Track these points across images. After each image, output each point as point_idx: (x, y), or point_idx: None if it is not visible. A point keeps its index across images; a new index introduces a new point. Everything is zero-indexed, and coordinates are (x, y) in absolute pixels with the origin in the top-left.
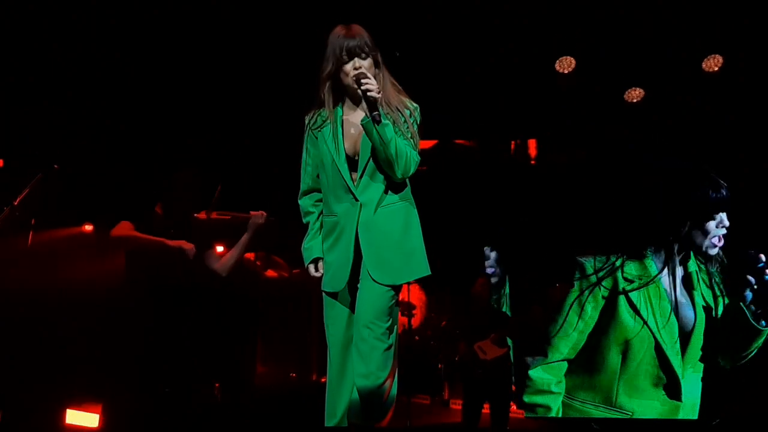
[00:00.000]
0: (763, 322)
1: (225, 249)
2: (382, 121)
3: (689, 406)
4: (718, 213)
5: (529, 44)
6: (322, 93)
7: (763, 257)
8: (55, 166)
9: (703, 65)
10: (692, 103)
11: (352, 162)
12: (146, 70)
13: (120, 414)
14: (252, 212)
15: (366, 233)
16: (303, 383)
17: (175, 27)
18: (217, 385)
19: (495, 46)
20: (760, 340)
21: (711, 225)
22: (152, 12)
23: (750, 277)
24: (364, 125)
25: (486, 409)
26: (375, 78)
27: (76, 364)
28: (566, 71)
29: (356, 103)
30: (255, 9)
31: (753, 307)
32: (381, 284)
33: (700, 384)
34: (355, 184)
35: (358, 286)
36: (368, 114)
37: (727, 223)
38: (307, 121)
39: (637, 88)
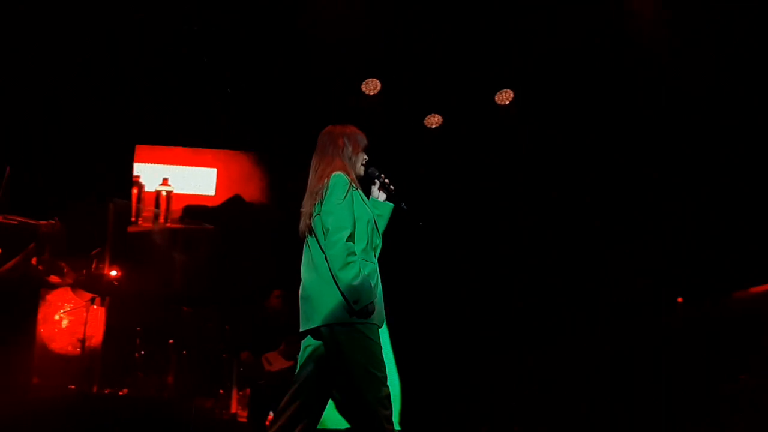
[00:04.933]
0: None
1: None
2: None
3: None
4: None
5: (338, 65)
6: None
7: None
8: None
9: (496, 98)
10: (486, 132)
11: None
12: None
13: None
14: (42, 221)
15: None
16: (83, 395)
17: None
18: None
19: (307, 65)
20: None
21: None
22: None
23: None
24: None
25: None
26: None
27: None
28: (372, 93)
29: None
30: None
31: None
32: None
33: None
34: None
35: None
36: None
37: None
38: (349, 182)
39: (436, 115)
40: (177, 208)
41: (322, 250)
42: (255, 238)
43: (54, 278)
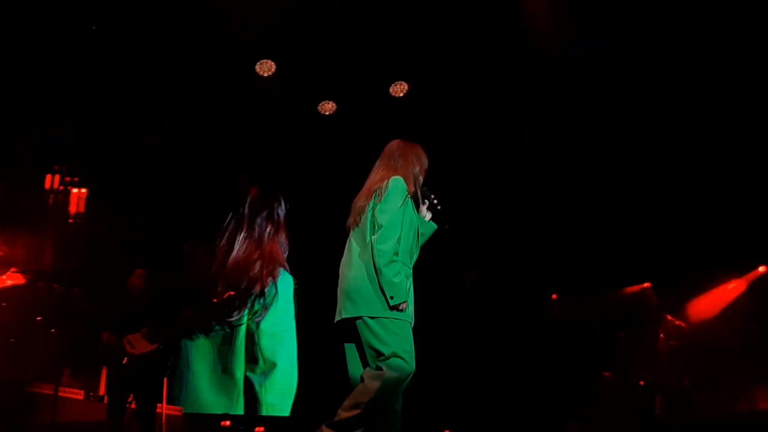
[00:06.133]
0: None
1: None
2: None
3: None
4: None
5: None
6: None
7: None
8: None
9: (390, 90)
10: (380, 122)
11: None
12: None
13: None
14: None
15: None
16: None
17: None
18: None
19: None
20: None
21: None
22: None
23: None
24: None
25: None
26: None
27: None
28: (266, 74)
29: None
30: None
31: None
32: None
33: None
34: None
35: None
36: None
37: None
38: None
39: (330, 102)
40: None
41: (369, 245)
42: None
43: None
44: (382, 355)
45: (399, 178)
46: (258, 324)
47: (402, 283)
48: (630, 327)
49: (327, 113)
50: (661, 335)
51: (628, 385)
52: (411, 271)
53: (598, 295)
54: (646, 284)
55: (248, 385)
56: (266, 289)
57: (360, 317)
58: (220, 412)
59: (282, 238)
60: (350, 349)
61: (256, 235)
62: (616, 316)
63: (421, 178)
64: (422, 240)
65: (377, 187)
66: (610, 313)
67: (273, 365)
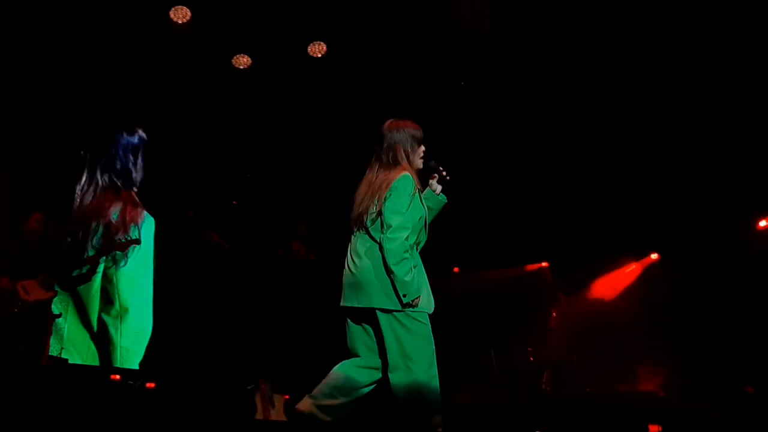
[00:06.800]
0: None
1: None
2: None
3: None
4: None
5: None
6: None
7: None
8: None
9: (309, 50)
10: (296, 80)
11: None
12: None
13: None
14: None
15: None
16: None
17: None
18: None
19: None
20: None
21: None
22: None
23: None
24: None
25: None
26: None
27: None
28: (181, 21)
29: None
30: None
31: None
32: None
33: None
34: None
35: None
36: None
37: None
38: (415, 185)
39: (245, 56)
40: None
41: (377, 241)
42: None
43: None
44: (401, 355)
45: (407, 174)
46: (117, 267)
47: (413, 280)
48: (524, 303)
49: (241, 67)
50: (554, 313)
51: (518, 359)
52: (417, 259)
53: (499, 268)
54: (544, 263)
55: (102, 327)
56: (129, 234)
57: (386, 310)
58: (94, 363)
59: (140, 174)
60: (354, 333)
61: (101, 180)
62: (512, 291)
63: (419, 153)
64: (431, 215)
65: (381, 186)
66: (507, 288)
67: (128, 309)
